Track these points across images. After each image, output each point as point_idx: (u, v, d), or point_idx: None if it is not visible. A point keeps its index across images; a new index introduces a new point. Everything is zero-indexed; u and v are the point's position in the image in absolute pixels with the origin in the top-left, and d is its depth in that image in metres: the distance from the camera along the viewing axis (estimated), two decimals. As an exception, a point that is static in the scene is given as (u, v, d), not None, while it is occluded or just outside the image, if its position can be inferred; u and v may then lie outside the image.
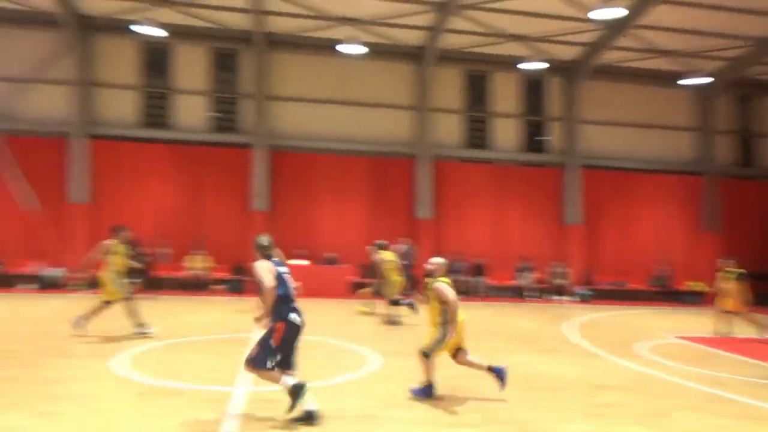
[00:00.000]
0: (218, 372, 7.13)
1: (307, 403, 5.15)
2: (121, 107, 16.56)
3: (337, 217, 17.41)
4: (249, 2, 15.14)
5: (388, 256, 11.70)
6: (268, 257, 5.43)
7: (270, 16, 15.99)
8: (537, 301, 16.99)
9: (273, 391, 5.87)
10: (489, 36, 17.01)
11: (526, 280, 17.47)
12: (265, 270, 5.27)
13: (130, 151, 16.44)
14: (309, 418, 5.12)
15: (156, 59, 16.96)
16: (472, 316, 13.44)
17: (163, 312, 12.31)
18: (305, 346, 5.89)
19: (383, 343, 9.21)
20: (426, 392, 6.17)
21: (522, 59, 17.05)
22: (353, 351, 8.65)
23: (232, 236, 16.70)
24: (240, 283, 16.08)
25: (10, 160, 15.61)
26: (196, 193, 16.70)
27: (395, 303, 11.42)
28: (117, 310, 9.34)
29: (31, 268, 15.55)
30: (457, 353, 6.36)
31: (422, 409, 5.86)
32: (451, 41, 17.14)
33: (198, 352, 8.38)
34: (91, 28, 16.16)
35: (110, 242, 9.20)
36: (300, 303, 5.49)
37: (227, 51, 17.23)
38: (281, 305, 5.27)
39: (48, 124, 16.08)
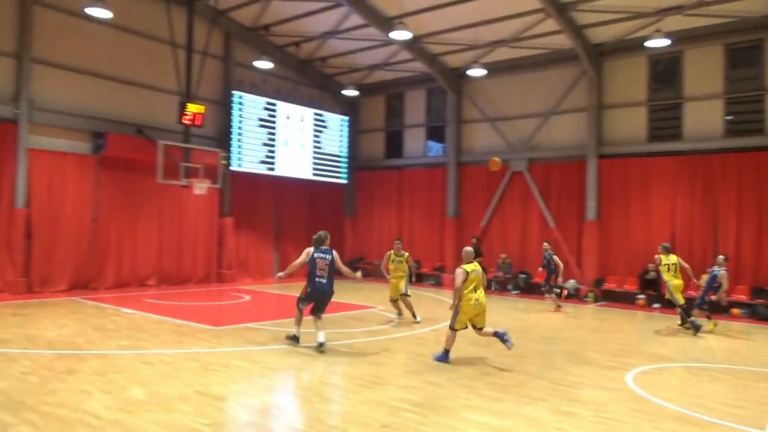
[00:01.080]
0: (740, 408, 6.49)
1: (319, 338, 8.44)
2: (629, 125, 16.96)
3: None
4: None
5: (670, 260, 11.81)
6: (315, 246, 8.66)
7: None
8: None
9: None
10: None
11: None
12: (304, 254, 8.62)
13: (636, 167, 16.62)
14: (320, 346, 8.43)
15: (664, 70, 16.68)
16: None
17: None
18: None
19: None
20: (443, 358, 8.16)
21: None
22: None
23: (752, 252, 14.66)
24: (765, 308, 13.87)
25: (534, 184, 18.24)
26: (707, 205, 15.44)
27: (683, 309, 11.67)
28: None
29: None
30: (474, 328, 8.25)
31: None
32: None
33: (717, 381, 7.82)
34: (602, 55, 17.25)
35: (389, 252, 11.70)
36: None
37: (745, 44, 15.34)
38: (310, 275, 8.57)
39: (566, 149, 17.98)
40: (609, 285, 16.66)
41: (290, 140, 20.14)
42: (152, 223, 16.64)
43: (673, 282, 11.67)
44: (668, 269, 11.75)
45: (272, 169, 19.56)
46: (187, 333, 9.83)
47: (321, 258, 8.56)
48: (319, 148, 21.22)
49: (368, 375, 7.36)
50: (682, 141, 16.08)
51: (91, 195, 15.37)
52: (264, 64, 18.06)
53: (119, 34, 16.05)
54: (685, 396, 6.88)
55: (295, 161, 20.33)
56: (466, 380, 7.29)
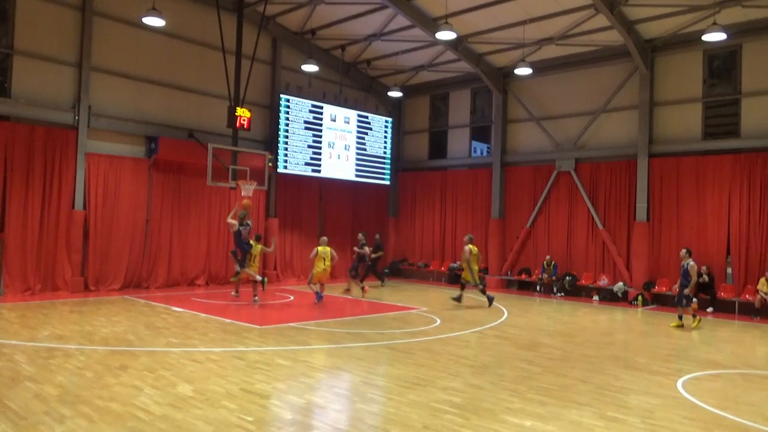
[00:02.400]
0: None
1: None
2: (682, 122, 16.35)
3: None
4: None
5: (474, 249, 14.58)
6: (241, 223, 13.31)
7: None
8: None
9: None
10: None
11: None
12: (234, 224, 13.35)
13: (689, 166, 16.00)
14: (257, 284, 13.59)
15: (720, 65, 16.01)
16: None
17: (727, 338, 11.46)
18: None
19: None
20: (319, 297, 13.81)
21: None
22: None
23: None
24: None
25: (581, 184, 17.82)
26: (766, 206, 14.70)
27: (482, 290, 14.58)
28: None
29: (601, 281, 17.19)
30: (321, 286, 13.91)
31: None
32: None
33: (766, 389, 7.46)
34: (654, 50, 16.68)
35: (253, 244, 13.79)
36: None
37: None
38: (239, 240, 13.45)
39: (615, 148, 17.48)
40: (659, 288, 16.10)
41: (335, 142, 20.36)
42: (201, 225, 17.12)
43: (476, 269, 14.62)
44: (476, 259, 14.73)
45: (317, 171, 19.81)
46: (233, 332, 10.06)
47: (246, 229, 13.49)
48: (363, 149, 21.34)
49: (410, 376, 7.37)
50: (740, 138, 15.41)
51: (144, 197, 15.95)
52: (310, 68, 18.31)
53: (172, 42, 16.61)
54: (740, 404, 6.59)
55: (340, 163, 20.53)
56: (509, 383, 7.20)
